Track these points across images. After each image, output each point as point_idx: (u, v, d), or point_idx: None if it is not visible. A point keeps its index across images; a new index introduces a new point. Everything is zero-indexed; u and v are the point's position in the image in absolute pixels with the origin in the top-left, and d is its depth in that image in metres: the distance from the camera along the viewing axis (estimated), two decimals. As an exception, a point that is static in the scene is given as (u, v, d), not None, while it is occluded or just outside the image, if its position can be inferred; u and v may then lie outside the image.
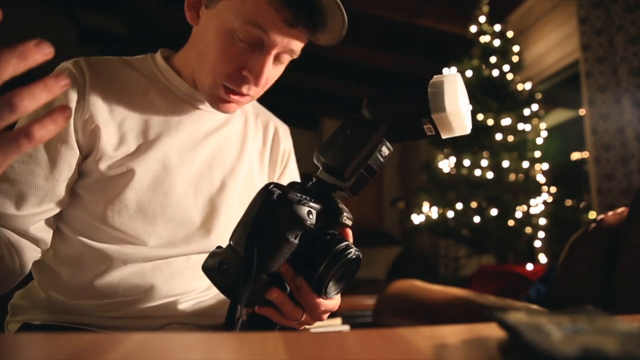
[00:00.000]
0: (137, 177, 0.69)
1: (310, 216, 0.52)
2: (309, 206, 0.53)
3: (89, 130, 0.68)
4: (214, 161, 0.78)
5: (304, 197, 0.53)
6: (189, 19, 0.73)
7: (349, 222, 0.57)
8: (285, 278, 0.55)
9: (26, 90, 0.35)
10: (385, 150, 0.54)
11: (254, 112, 0.90)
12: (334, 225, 0.56)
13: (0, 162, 0.37)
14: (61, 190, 0.68)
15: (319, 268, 0.52)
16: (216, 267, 0.54)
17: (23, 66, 0.35)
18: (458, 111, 0.50)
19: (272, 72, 0.71)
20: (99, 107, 0.69)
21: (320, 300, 0.55)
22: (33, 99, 0.36)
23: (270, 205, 0.52)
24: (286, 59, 0.71)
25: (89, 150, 0.69)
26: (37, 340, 0.30)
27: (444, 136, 0.52)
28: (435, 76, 0.52)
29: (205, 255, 0.75)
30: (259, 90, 0.72)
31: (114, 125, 0.70)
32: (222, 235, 0.76)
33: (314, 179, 0.57)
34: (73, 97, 0.68)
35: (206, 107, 0.78)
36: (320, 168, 0.56)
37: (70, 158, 0.67)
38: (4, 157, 0.37)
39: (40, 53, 0.35)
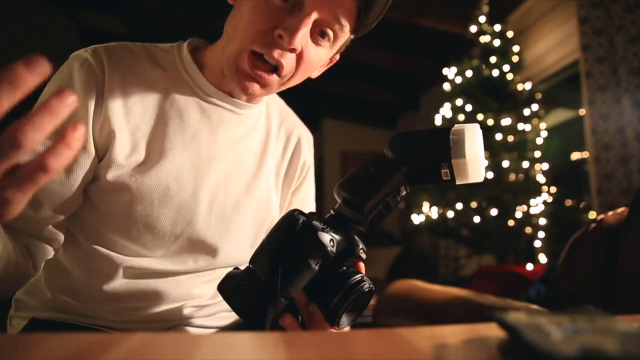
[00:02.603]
0: (147, 191, 0.66)
1: (332, 244, 0.55)
2: (331, 235, 0.55)
3: (105, 133, 0.65)
4: (229, 178, 0.74)
5: (326, 226, 0.55)
6: None
7: (364, 256, 0.59)
8: (299, 304, 0.56)
9: (28, 122, 0.31)
10: (403, 190, 0.58)
11: (279, 119, 0.84)
12: (349, 257, 0.58)
13: (20, 200, 0.35)
14: (76, 194, 0.66)
15: (333, 299, 0.54)
16: (234, 287, 0.55)
17: (18, 94, 0.30)
18: (476, 159, 0.54)
19: (312, 50, 0.64)
20: (116, 110, 0.65)
21: (332, 330, 0.56)
22: (38, 130, 0.31)
23: (294, 231, 0.54)
24: (329, 38, 0.64)
25: (103, 154, 0.66)
26: (38, 339, 0.30)
27: (458, 182, 0.55)
28: (456, 125, 0.55)
29: (212, 272, 0.75)
30: (290, 64, 0.64)
31: (128, 131, 0.66)
32: (231, 255, 0.74)
33: (333, 212, 0.59)
34: (92, 98, 0.64)
35: (228, 113, 0.74)
36: (340, 202, 0.58)
37: (87, 163, 0.65)
38: (23, 195, 0.34)
39: (33, 73, 0.30)
